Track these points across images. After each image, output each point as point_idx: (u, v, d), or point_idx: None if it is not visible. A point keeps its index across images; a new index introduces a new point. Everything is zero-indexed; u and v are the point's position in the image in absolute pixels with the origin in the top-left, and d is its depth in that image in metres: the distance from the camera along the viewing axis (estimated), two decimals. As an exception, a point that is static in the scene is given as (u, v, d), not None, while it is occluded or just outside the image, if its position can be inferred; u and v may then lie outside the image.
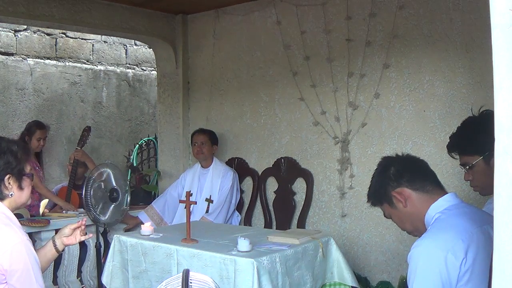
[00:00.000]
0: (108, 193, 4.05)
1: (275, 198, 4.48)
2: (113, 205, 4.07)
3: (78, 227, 2.25)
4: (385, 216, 1.98)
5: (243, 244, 2.81)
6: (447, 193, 1.86)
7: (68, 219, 4.17)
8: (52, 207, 4.66)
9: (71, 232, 2.24)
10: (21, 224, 2.06)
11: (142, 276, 3.13)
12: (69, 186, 4.62)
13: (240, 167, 4.66)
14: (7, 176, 1.99)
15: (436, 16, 3.58)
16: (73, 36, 5.97)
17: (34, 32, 5.64)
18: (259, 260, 2.68)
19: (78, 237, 2.25)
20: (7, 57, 5.44)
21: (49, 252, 2.14)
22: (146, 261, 3.11)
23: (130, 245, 3.21)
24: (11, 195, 2.01)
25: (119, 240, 3.28)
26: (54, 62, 5.81)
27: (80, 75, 6.03)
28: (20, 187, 2.03)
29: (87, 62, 6.13)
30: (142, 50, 6.68)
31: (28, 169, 2.07)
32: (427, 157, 3.45)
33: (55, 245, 2.18)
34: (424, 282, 1.66)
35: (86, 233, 2.28)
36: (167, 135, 5.20)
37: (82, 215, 4.18)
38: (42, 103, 5.70)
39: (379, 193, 1.92)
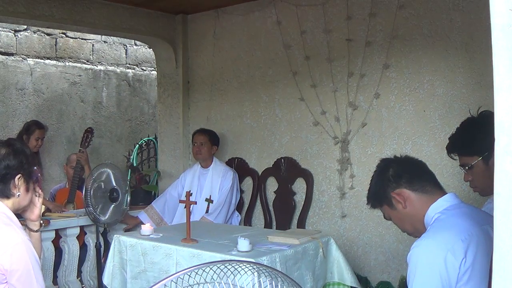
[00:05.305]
0: (108, 193, 4.04)
1: (275, 198, 4.48)
2: (113, 205, 4.07)
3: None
4: (385, 217, 1.98)
5: (243, 244, 2.81)
6: (446, 193, 1.86)
7: (68, 219, 4.18)
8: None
9: (27, 206, 2.13)
10: (21, 224, 2.06)
11: (141, 277, 3.13)
12: (73, 188, 4.62)
13: (240, 167, 4.66)
14: (18, 176, 2.01)
15: (436, 16, 3.58)
16: (73, 36, 5.97)
17: (34, 32, 5.64)
18: (259, 260, 2.68)
19: (36, 202, 2.13)
20: (7, 57, 5.44)
21: (31, 237, 2.13)
22: (145, 261, 3.11)
23: (130, 245, 3.20)
24: (18, 195, 2.02)
25: (119, 240, 3.28)
26: (54, 62, 5.81)
27: (80, 75, 6.03)
28: (27, 189, 2.05)
29: (87, 62, 6.13)
30: (142, 50, 6.68)
31: (36, 173, 2.09)
32: (427, 157, 3.46)
33: (30, 229, 2.16)
34: (423, 282, 1.67)
35: None
36: (167, 135, 5.20)
37: (82, 215, 4.18)
38: (42, 103, 5.70)
39: (379, 194, 1.92)
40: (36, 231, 2.16)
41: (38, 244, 2.15)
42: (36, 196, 2.15)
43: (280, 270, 1.15)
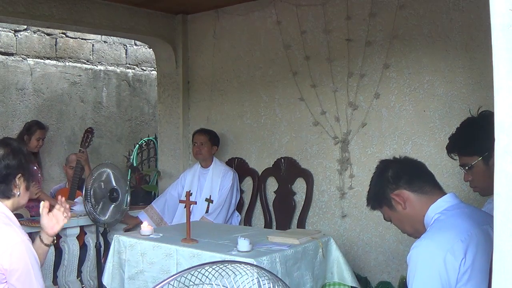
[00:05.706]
0: (108, 193, 4.04)
1: (275, 198, 4.48)
2: (113, 205, 4.07)
3: (51, 211, 2.16)
4: (385, 219, 1.98)
5: (243, 244, 2.81)
6: (446, 193, 1.86)
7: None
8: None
9: (50, 220, 2.15)
10: (21, 224, 2.06)
11: (138, 277, 3.11)
12: (73, 188, 4.62)
13: (240, 167, 4.66)
14: (19, 176, 2.01)
15: (436, 16, 3.58)
16: (73, 36, 5.97)
17: (34, 32, 5.64)
18: (259, 260, 2.67)
19: (61, 220, 2.16)
20: (7, 57, 5.44)
21: (39, 248, 2.12)
22: (144, 262, 3.10)
23: (129, 245, 3.20)
24: (18, 195, 2.03)
25: (119, 240, 3.28)
26: (54, 62, 5.81)
27: (80, 75, 6.03)
28: (27, 188, 2.06)
29: (87, 62, 6.13)
30: (142, 50, 6.67)
31: (36, 172, 2.11)
32: (427, 157, 3.46)
33: (41, 240, 2.17)
34: (423, 282, 1.66)
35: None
36: (167, 135, 5.20)
37: (82, 215, 4.18)
38: (42, 103, 5.70)
39: (378, 196, 1.93)
40: (47, 245, 2.16)
41: (43, 256, 2.16)
42: (64, 216, 2.15)
43: (269, 271, 1.15)
